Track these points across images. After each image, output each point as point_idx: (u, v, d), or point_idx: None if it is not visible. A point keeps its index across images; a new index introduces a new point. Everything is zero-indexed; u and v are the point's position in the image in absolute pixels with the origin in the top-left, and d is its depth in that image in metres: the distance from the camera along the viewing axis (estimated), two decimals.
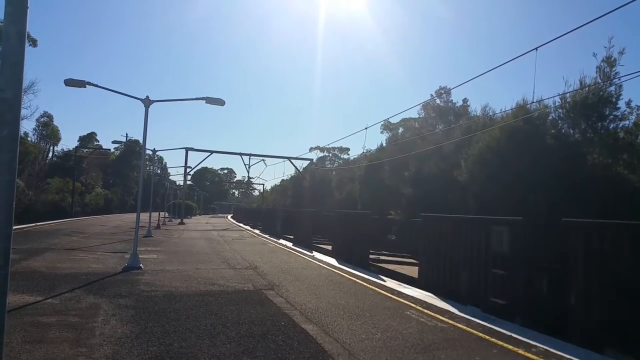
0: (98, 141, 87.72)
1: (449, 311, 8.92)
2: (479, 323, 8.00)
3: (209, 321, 7.54)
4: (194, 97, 15.52)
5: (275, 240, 27.31)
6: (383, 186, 31.72)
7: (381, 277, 13.36)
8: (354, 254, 16.61)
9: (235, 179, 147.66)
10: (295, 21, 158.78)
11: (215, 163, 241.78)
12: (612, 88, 18.07)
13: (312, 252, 20.05)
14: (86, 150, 75.25)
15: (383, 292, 10.89)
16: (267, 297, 9.86)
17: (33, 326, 6.83)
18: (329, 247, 20.29)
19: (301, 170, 56.77)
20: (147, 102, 14.69)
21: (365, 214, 18.26)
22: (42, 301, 8.55)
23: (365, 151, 44.71)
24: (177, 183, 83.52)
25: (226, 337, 6.65)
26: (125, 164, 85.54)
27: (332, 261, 16.90)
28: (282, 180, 74.10)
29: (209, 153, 52.97)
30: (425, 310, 8.93)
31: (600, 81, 18.34)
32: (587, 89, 18.32)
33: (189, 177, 68.20)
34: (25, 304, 8.24)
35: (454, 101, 41.31)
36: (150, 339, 6.40)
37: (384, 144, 41.23)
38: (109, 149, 78.72)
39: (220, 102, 15.17)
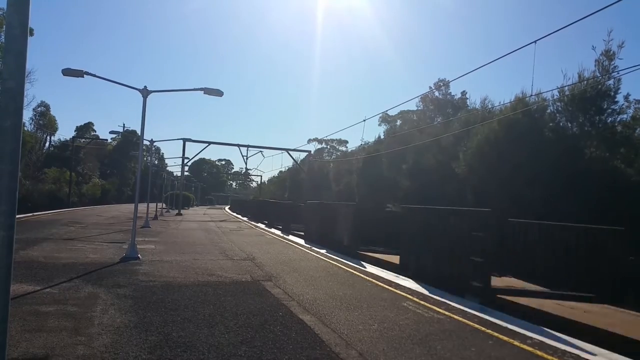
0: (95, 131, 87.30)
1: (445, 303, 8.99)
2: (475, 314, 8.08)
3: (207, 311, 7.58)
4: (192, 88, 15.50)
5: (273, 231, 27.36)
6: (381, 178, 31.77)
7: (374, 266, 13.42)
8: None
9: (233, 171, 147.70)
10: (294, 13, 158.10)
11: (213, 154, 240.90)
12: (611, 82, 18.11)
13: (320, 249, 19.92)
14: (83, 140, 74.96)
15: (380, 283, 10.95)
16: (265, 288, 9.91)
17: (32, 315, 6.86)
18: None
19: (299, 162, 56.75)
20: (145, 93, 14.65)
21: None
22: (40, 290, 8.57)
23: (363, 143, 44.80)
24: (175, 174, 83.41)
25: (224, 327, 6.70)
26: (123, 155, 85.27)
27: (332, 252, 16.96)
28: (280, 171, 74.17)
29: (207, 144, 52.86)
30: (422, 302, 9.00)
31: (599, 75, 18.37)
32: (585, 82, 18.34)
33: (186, 168, 68.10)
34: (24, 293, 8.27)
35: (452, 94, 41.33)
36: (149, 329, 6.44)
37: (382, 137, 41.28)
38: (106, 140, 78.52)
39: (218, 92, 15.14)
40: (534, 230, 12.10)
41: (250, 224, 35.97)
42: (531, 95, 19.37)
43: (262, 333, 6.51)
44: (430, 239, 11.87)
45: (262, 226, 32.47)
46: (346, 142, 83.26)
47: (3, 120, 2.81)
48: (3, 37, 50.65)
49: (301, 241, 21.26)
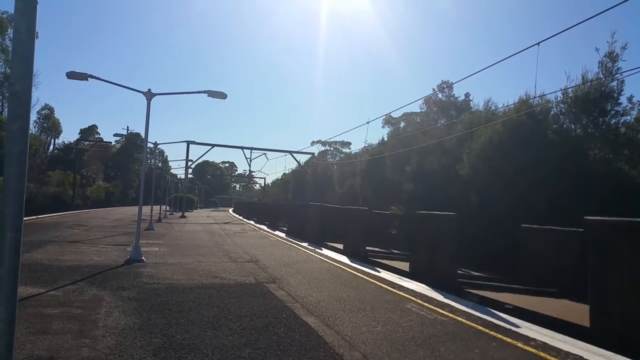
0: (99, 134, 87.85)
1: (449, 304, 8.98)
2: (478, 316, 8.07)
3: (211, 313, 7.61)
4: (196, 91, 15.56)
5: (277, 234, 27.37)
6: (384, 180, 31.73)
7: (379, 269, 13.43)
8: None
9: (237, 173, 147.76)
10: (297, 15, 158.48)
11: (217, 156, 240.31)
12: (614, 83, 18.06)
13: (321, 249, 19.19)
14: (87, 143, 75.30)
15: (384, 285, 10.95)
16: (268, 290, 9.93)
17: (37, 317, 6.90)
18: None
19: (303, 164, 56.78)
20: (149, 95, 14.71)
21: None
22: (45, 293, 8.62)
23: (366, 145, 44.75)
24: (178, 176, 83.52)
25: (228, 329, 6.72)
26: (127, 157, 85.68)
27: (334, 255, 16.94)
28: (284, 174, 74.24)
29: (211, 146, 53.04)
30: (425, 304, 9.00)
31: (602, 76, 18.32)
32: (589, 84, 18.31)
33: (190, 171, 68.28)
34: (28, 295, 8.31)
35: (455, 95, 41.31)
36: (153, 331, 6.47)
37: (386, 139, 41.20)
38: (110, 142, 78.83)
39: (221, 95, 15.20)
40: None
41: (254, 226, 35.99)
42: (535, 97, 19.37)
43: (266, 335, 6.53)
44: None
45: (266, 228, 32.47)
46: (349, 144, 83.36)
47: (11, 124, 2.84)
48: (8, 39, 50.99)
49: (304, 243, 21.26)
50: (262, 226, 34.72)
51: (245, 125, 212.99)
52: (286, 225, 29.21)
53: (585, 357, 6.03)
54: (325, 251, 18.10)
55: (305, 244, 20.56)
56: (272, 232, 29.01)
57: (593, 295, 7.55)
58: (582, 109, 18.30)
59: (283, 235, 25.90)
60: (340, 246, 18.44)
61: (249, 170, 64.92)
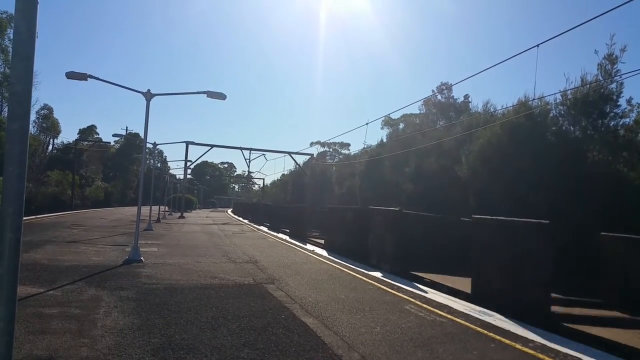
0: (98, 134, 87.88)
1: (447, 306, 8.99)
2: (477, 318, 8.07)
3: (210, 314, 7.61)
4: (195, 91, 15.57)
5: (275, 234, 27.34)
6: (383, 182, 31.71)
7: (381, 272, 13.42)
8: None
9: (236, 174, 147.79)
10: (297, 16, 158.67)
11: (216, 157, 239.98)
12: (613, 85, 18.05)
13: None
14: (86, 143, 75.26)
15: (383, 286, 10.95)
16: (267, 290, 9.93)
17: (35, 317, 6.90)
18: None
19: (302, 165, 56.79)
20: (149, 96, 14.72)
21: None
22: (44, 293, 8.61)
23: (365, 146, 44.74)
24: (177, 177, 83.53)
25: (227, 330, 6.72)
26: (126, 157, 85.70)
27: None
28: (283, 175, 74.19)
29: (210, 147, 52.99)
30: (424, 305, 9.00)
31: (601, 78, 18.33)
32: (588, 86, 18.32)
33: (189, 171, 68.25)
34: (27, 295, 8.31)
35: (455, 97, 41.34)
36: (152, 331, 6.47)
37: (385, 140, 41.20)
38: (109, 142, 78.86)
39: (221, 96, 15.20)
40: None
41: (253, 227, 35.97)
42: (534, 99, 19.38)
43: (265, 336, 6.53)
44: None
45: (265, 229, 32.46)
46: (348, 145, 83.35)
47: (11, 123, 2.86)
48: (7, 39, 50.97)
49: (304, 244, 21.23)
50: (261, 227, 33.51)
51: (244, 126, 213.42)
52: (323, 236, 22.52)
53: (583, 359, 6.04)
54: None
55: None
56: (271, 232, 28.79)
57: None
58: (581, 111, 18.30)
59: (282, 236, 23.74)
60: (459, 284, 11.03)
61: (248, 171, 64.98)
